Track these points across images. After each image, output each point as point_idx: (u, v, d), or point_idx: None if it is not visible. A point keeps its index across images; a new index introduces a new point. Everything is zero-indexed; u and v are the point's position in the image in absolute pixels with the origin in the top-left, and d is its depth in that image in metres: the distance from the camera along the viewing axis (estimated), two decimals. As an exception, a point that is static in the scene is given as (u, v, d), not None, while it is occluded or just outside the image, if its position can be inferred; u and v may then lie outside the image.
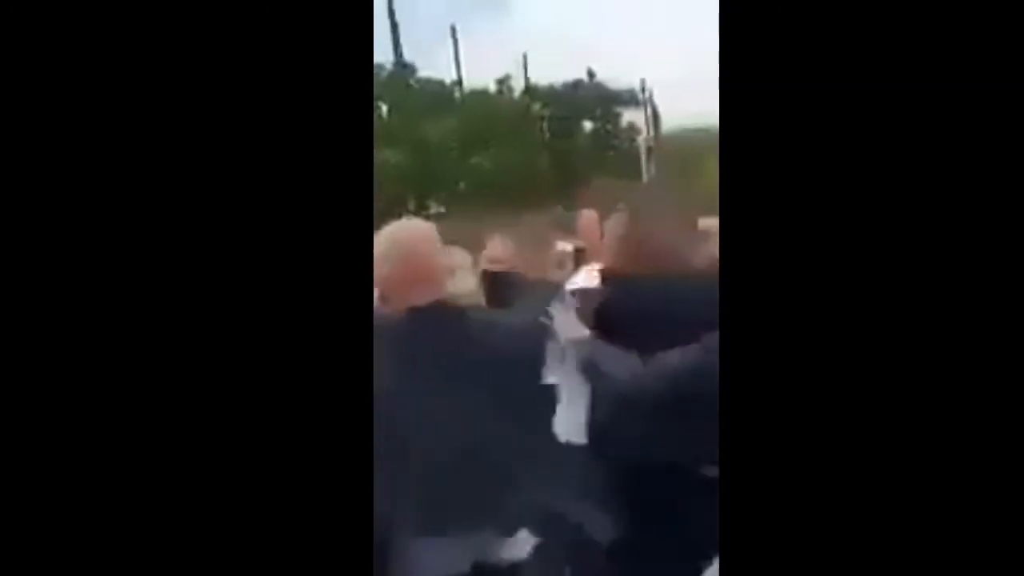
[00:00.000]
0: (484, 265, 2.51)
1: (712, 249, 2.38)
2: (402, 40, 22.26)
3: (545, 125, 24.85)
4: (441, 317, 1.93)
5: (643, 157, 20.62)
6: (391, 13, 21.71)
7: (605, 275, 2.24)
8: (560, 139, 24.38)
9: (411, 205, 19.15)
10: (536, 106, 24.90)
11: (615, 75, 26.16)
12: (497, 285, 2.37)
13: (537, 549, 1.93)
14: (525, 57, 24.85)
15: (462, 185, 21.44)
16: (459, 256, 2.25)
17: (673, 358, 1.94)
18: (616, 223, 2.47)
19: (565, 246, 2.90)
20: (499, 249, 2.80)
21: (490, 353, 1.97)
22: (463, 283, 2.28)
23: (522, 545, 1.92)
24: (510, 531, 1.92)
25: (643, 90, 25.61)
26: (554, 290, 2.29)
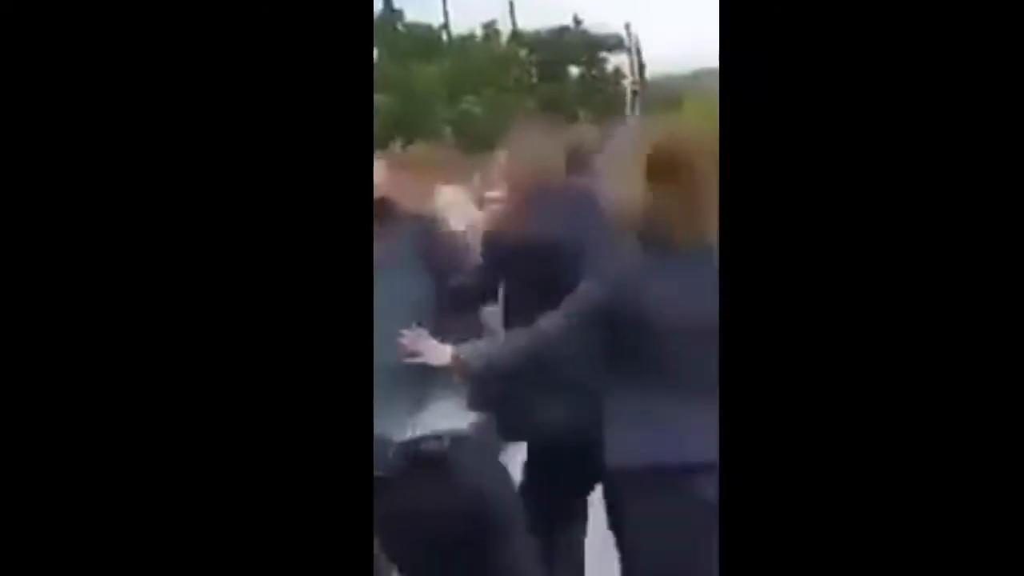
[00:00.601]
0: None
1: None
2: (390, -16, 22.17)
3: (533, 70, 24.87)
4: None
5: (628, 100, 20.78)
6: (380, -42, 21.57)
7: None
8: (547, 83, 24.41)
9: (397, 148, 19.16)
10: (523, 52, 24.87)
11: (601, 21, 26.27)
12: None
13: (477, 424, 2.26)
14: (511, 2, 24.84)
15: (449, 130, 21.45)
16: None
17: (531, 331, 2.20)
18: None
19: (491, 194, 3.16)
20: (379, 176, 3.12)
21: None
22: None
23: (463, 420, 2.24)
24: (454, 410, 2.26)
25: (628, 36, 25.69)
26: (416, 218, 2.59)
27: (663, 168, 2.05)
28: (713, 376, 1.87)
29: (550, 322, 2.16)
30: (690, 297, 1.96)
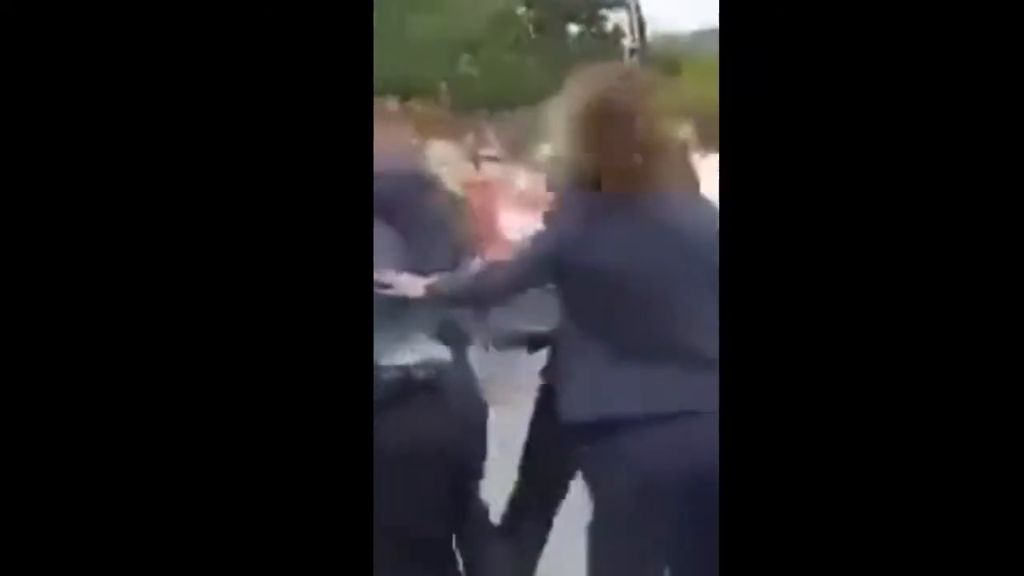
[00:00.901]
0: None
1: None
2: (385, -64, 21.86)
3: (531, 27, 24.61)
4: None
5: (627, 59, 20.58)
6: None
7: None
8: (546, 39, 24.16)
9: (392, 105, 19.01)
10: (520, 8, 24.61)
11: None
12: None
13: (457, 355, 2.36)
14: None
15: (444, 85, 21.27)
16: None
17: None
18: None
19: (488, 152, 3.18)
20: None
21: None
22: None
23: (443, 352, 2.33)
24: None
25: (630, -5, 25.34)
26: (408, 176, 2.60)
27: (606, 120, 2.06)
28: (663, 330, 2.03)
29: (507, 262, 2.33)
30: (639, 249, 2.05)
